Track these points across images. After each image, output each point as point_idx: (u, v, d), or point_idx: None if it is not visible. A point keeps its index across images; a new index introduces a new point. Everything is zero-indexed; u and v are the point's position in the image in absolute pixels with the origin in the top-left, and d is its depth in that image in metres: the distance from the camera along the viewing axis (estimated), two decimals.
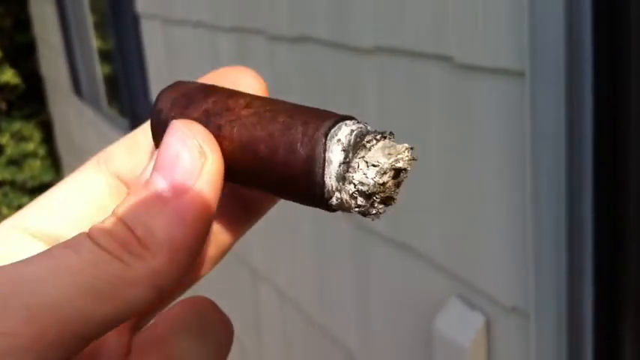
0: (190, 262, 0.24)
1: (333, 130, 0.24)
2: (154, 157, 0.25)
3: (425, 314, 1.05)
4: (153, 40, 2.24)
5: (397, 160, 0.25)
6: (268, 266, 1.66)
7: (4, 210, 5.28)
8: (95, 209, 0.27)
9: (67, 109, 4.32)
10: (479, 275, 0.94)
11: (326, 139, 0.24)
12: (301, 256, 1.47)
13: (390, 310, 1.18)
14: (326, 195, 0.24)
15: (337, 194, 0.24)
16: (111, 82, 3.26)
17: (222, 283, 1.97)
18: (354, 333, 1.30)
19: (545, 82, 0.77)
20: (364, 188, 0.24)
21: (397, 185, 0.25)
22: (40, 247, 0.26)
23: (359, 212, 0.24)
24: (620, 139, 0.75)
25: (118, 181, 0.28)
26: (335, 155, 0.24)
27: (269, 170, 0.25)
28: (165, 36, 2.10)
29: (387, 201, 0.25)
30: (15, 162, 5.51)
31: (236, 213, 0.29)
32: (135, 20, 2.32)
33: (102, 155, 0.28)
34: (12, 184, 5.45)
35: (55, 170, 5.41)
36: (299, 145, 0.24)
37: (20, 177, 5.45)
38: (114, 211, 0.24)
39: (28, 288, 0.22)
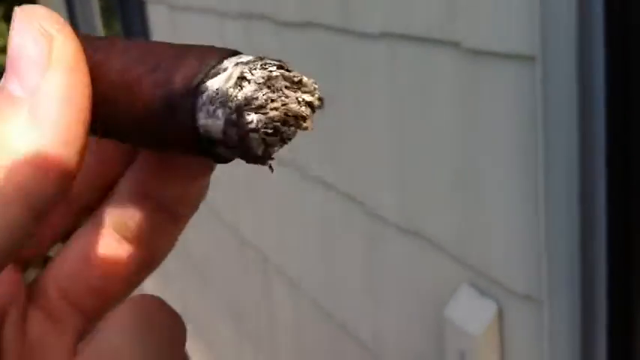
0: (65, 167, 0.21)
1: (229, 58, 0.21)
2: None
3: (436, 302, 1.04)
4: (159, 26, 2.23)
5: (308, 91, 0.21)
6: (278, 255, 1.65)
7: None
8: None
9: None
10: (491, 263, 0.93)
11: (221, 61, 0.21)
12: (311, 245, 1.46)
13: (400, 298, 1.17)
14: (212, 72, 0.20)
15: (225, 74, 0.20)
16: None
17: (232, 273, 1.97)
18: (364, 322, 1.30)
19: (557, 66, 0.76)
20: (263, 74, 0.20)
21: (285, 122, 0.20)
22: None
23: (230, 108, 0.20)
24: (633, 124, 0.74)
25: None
26: (246, 57, 0.21)
27: (146, 80, 0.21)
28: (171, 22, 2.09)
29: (266, 126, 0.20)
30: None
31: (154, 216, 0.27)
32: (141, 6, 2.31)
33: None
34: None
35: None
36: (185, 66, 0.20)
37: None
38: None
39: None
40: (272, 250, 1.68)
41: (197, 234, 2.04)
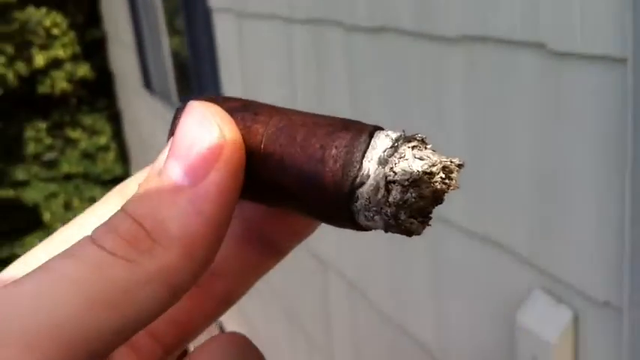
0: (207, 257, 0.22)
1: (379, 130, 0.22)
2: (168, 144, 0.22)
3: (507, 309, 1.03)
4: (225, 34, 2.26)
5: (445, 167, 0.22)
6: (338, 258, 1.65)
7: (76, 202, 5.42)
8: None
9: (137, 103, 4.41)
10: (567, 268, 0.92)
11: (374, 132, 0.22)
12: (373, 248, 1.46)
13: (467, 302, 1.16)
14: (358, 181, 0.21)
15: (371, 180, 0.21)
16: (181, 75, 3.31)
17: (291, 275, 1.97)
18: (430, 328, 1.29)
19: None
20: (406, 177, 0.21)
21: (436, 199, 0.22)
22: None
23: (387, 215, 0.21)
24: None
25: None
26: (381, 141, 0.22)
27: (299, 156, 0.22)
28: (237, 29, 2.12)
29: (421, 214, 0.22)
30: (88, 155, 5.66)
31: (272, 232, 0.27)
32: (207, 14, 2.35)
33: (125, 186, 0.26)
34: (84, 176, 5.60)
35: (123, 164, 5.55)
36: (340, 135, 0.22)
37: (94, 170, 5.60)
38: (122, 206, 0.22)
39: (23, 309, 0.19)
40: (331, 253, 1.68)
41: None
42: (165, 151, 0.22)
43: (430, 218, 0.22)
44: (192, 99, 0.24)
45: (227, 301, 0.27)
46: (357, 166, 0.21)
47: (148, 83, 3.79)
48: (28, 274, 0.20)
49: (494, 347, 1.08)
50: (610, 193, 0.83)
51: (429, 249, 1.23)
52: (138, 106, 4.36)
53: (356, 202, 0.22)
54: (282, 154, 0.22)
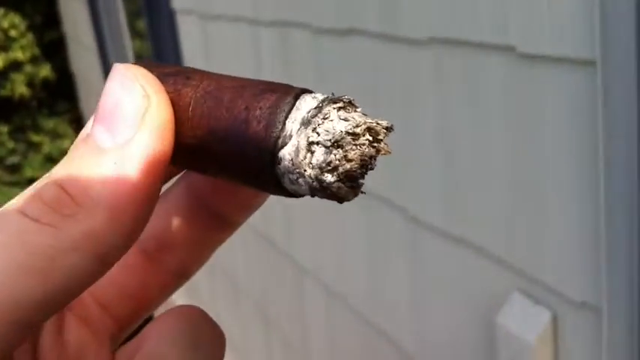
0: (136, 222, 0.21)
1: (307, 93, 0.22)
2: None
3: (485, 311, 1.03)
4: (190, 36, 2.24)
5: (370, 127, 0.21)
6: (314, 262, 1.65)
7: None
8: None
9: None
10: (544, 270, 0.92)
11: (300, 94, 0.22)
12: (350, 251, 1.45)
13: (447, 306, 1.16)
14: (280, 142, 0.21)
15: (293, 140, 0.21)
16: None
17: (268, 279, 1.96)
18: (408, 331, 1.29)
19: (619, 71, 0.75)
20: (328, 137, 0.20)
21: (364, 163, 0.21)
22: None
23: (310, 178, 0.21)
24: None
25: None
26: (306, 103, 0.21)
27: (225, 118, 0.22)
28: (202, 31, 2.10)
29: (350, 179, 0.21)
30: (52, 159, 5.57)
31: (201, 226, 0.27)
32: (171, 16, 2.31)
33: None
34: None
35: None
36: (265, 97, 0.22)
37: None
38: (48, 173, 0.21)
39: None
40: (307, 256, 1.68)
41: (227, 241, 2.03)
42: (91, 119, 0.22)
43: (361, 185, 0.21)
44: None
45: (181, 274, 0.27)
46: (280, 127, 0.21)
47: None
48: None
49: (474, 350, 1.09)
50: (585, 193, 0.84)
51: (407, 251, 1.23)
52: None
53: (279, 164, 0.21)
54: (209, 117, 0.22)
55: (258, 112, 0.21)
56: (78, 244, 0.20)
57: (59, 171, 0.21)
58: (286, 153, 0.21)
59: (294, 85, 0.22)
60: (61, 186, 0.20)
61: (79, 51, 4.72)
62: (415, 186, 1.17)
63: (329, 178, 0.20)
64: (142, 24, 2.95)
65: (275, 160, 0.21)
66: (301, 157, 0.21)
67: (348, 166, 0.20)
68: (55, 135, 5.66)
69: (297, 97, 0.21)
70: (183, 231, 0.27)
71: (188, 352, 0.24)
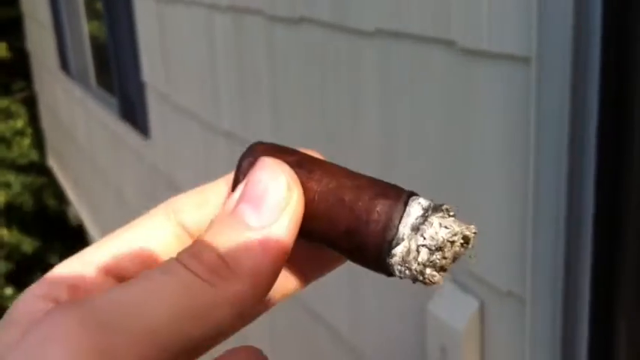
0: (268, 288, 0.26)
1: (413, 197, 0.28)
2: (239, 189, 0.27)
3: (419, 297, 1.05)
4: (146, 19, 2.22)
5: (465, 235, 0.27)
6: None
7: None
8: (163, 255, 0.28)
9: (54, 86, 4.28)
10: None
11: (408, 200, 0.27)
12: None
13: (381, 293, 1.19)
14: (394, 242, 0.26)
15: (405, 243, 0.26)
16: (100, 60, 3.23)
17: None
18: (344, 316, 1.31)
19: (552, 68, 0.77)
20: (432, 242, 0.26)
21: (454, 259, 0.27)
22: (112, 283, 0.27)
23: (416, 271, 0.26)
24: (625, 127, 0.76)
25: (184, 232, 0.29)
26: (414, 209, 0.27)
27: (346, 216, 0.27)
28: (159, 15, 2.09)
29: (441, 270, 0.27)
30: (3, 140, 5.45)
31: (305, 265, 0.31)
32: None
33: (171, 204, 0.29)
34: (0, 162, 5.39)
35: (40, 149, 5.36)
36: (381, 202, 0.27)
37: (9, 155, 5.39)
38: (200, 237, 0.26)
39: (130, 312, 0.23)
40: None
41: None
42: (235, 196, 0.27)
43: (447, 270, 0.27)
44: (254, 144, 0.29)
45: (250, 316, 0.31)
46: (395, 231, 0.26)
47: (65, 65, 3.68)
48: (133, 281, 0.24)
49: (406, 337, 1.11)
50: (514, 185, 0.86)
51: None
52: (55, 88, 4.23)
53: (392, 258, 0.27)
54: (332, 211, 0.27)
55: (376, 216, 0.27)
56: (229, 300, 0.24)
57: (213, 237, 0.26)
58: (398, 251, 0.26)
59: None
60: (219, 253, 0.25)
61: (36, 29, 4.64)
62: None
63: (430, 272, 0.26)
64: (99, 5, 2.92)
65: (389, 255, 0.27)
66: (411, 257, 0.26)
67: (444, 262, 0.26)
68: (8, 115, 5.55)
69: (406, 204, 0.27)
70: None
71: None
